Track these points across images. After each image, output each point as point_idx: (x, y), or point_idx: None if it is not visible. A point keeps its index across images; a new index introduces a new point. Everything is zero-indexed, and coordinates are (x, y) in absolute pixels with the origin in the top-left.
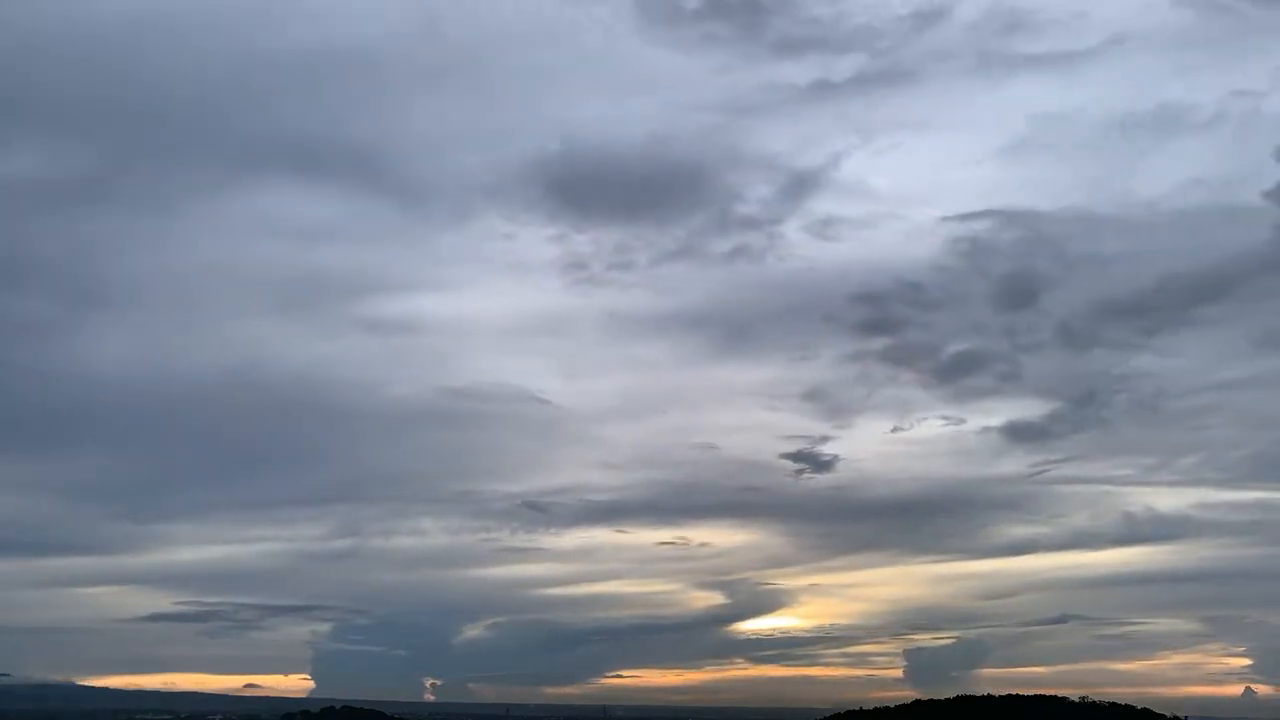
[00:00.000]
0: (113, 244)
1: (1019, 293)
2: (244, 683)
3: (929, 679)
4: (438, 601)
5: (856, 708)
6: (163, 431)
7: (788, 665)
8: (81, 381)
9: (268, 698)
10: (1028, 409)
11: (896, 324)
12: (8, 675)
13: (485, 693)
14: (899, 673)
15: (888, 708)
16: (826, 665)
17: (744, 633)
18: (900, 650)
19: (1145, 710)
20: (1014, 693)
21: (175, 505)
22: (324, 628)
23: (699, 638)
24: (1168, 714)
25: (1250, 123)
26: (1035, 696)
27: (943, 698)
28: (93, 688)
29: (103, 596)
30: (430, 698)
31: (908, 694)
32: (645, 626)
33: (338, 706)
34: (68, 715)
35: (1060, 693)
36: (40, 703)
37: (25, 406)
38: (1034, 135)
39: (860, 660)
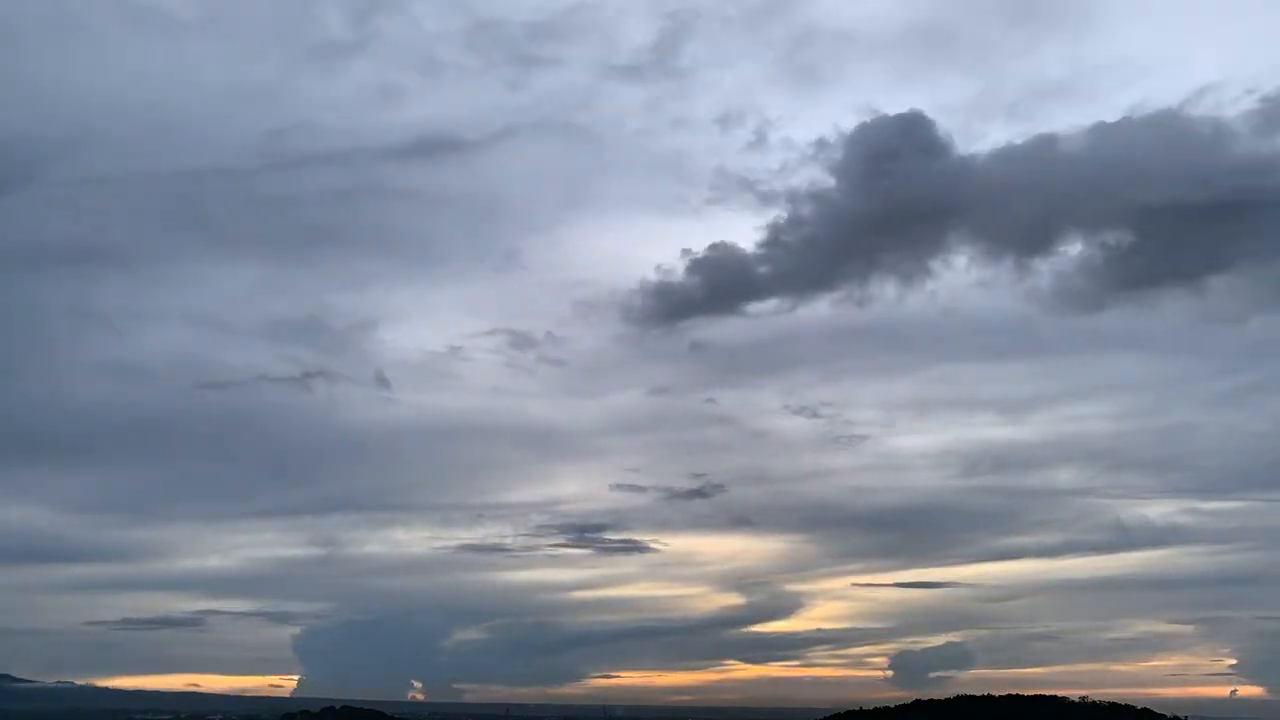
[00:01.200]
0: (113, 291)
1: None
2: (241, 683)
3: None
4: (426, 605)
5: (856, 707)
6: (162, 449)
7: (773, 665)
8: (87, 406)
9: (267, 698)
10: None
11: None
12: (9, 676)
13: (474, 693)
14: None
15: (888, 708)
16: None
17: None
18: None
19: (1145, 710)
20: (1014, 693)
21: (172, 516)
22: (316, 630)
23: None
24: (1166, 714)
25: None
26: (1035, 696)
27: (944, 697)
28: (93, 688)
29: (103, 601)
30: (419, 697)
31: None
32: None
33: (337, 706)
34: (68, 715)
35: (1060, 693)
36: (40, 703)
37: (33, 426)
38: None
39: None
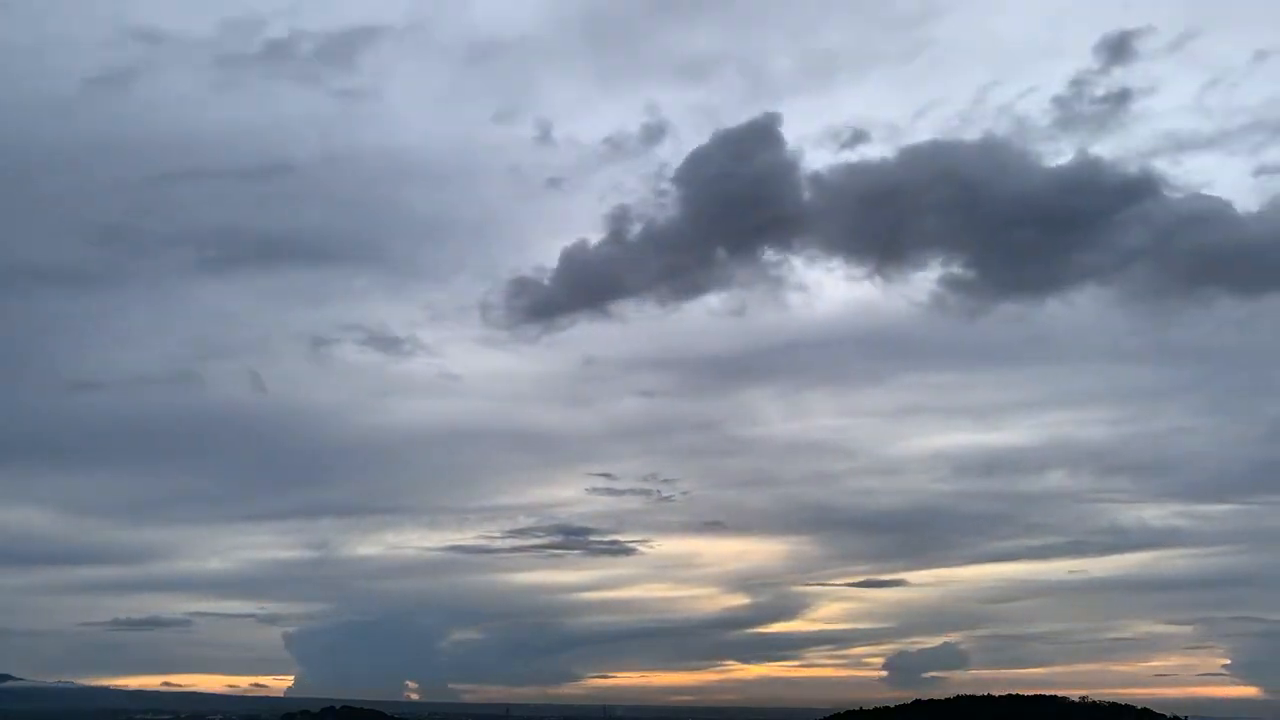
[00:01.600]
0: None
1: None
2: (236, 683)
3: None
4: (420, 607)
5: (856, 707)
6: (162, 456)
7: (769, 665)
8: (91, 413)
9: (266, 698)
10: None
11: None
12: (9, 676)
13: (470, 693)
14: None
15: (888, 707)
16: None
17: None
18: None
19: (1145, 710)
20: (1014, 693)
21: (171, 518)
22: (313, 630)
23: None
24: (1166, 714)
25: None
26: (1035, 696)
27: (944, 697)
28: (93, 688)
29: (103, 602)
30: (414, 697)
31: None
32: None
33: (338, 706)
34: (67, 715)
35: (1060, 693)
36: (40, 703)
37: (39, 431)
38: None
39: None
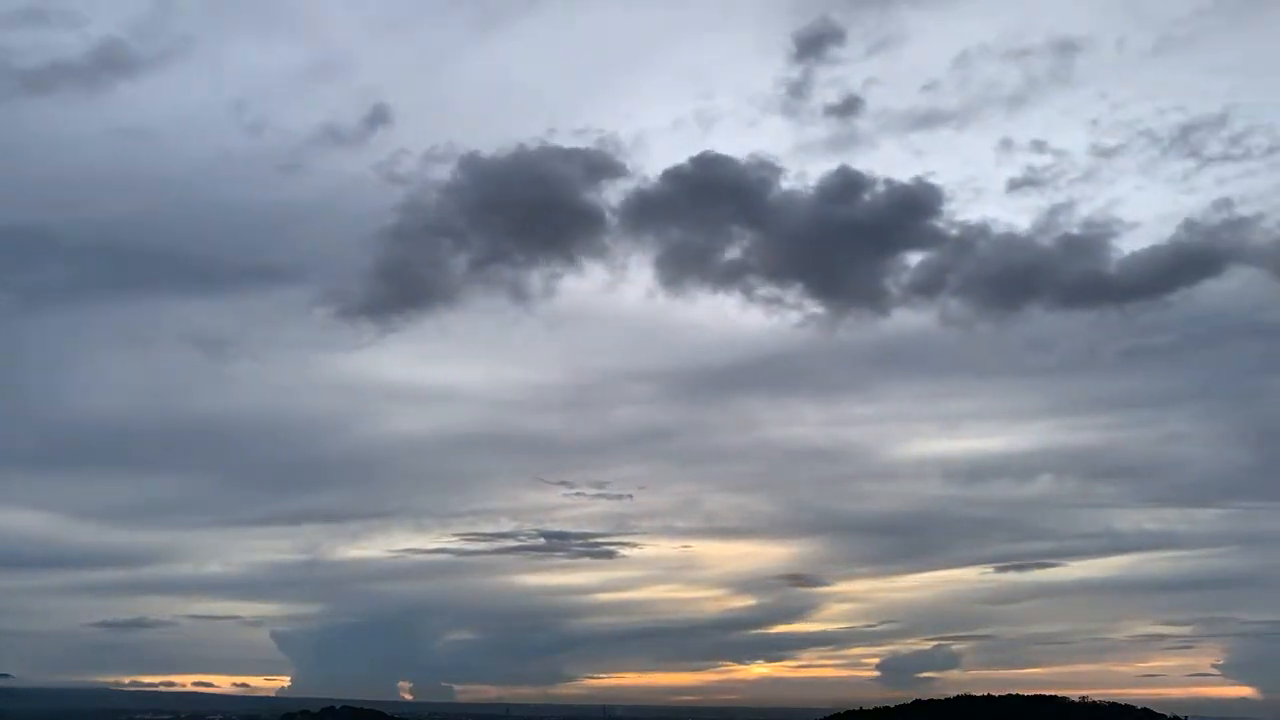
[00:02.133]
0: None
1: None
2: (235, 683)
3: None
4: (415, 607)
5: (856, 707)
6: (161, 461)
7: (762, 665)
8: (92, 418)
9: (265, 698)
10: None
11: None
12: (9, 675)
13: (466, 693)
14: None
15: (888, 708)
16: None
17: None
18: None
19: (1145, 710)
20: (1014, 693)
21: (171, 522)
22: (310, 630)
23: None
24: (1167, 714)
25: None
26: (1035, 696)
27: (944, 697)
28: (92, 688)
29: (103, 603)
30: (408, 697)
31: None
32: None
33: (338, 706)
34: (67, 715)
35: (1060, 693)
36: (40, 703)
37: (42, 435)
38: None
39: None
